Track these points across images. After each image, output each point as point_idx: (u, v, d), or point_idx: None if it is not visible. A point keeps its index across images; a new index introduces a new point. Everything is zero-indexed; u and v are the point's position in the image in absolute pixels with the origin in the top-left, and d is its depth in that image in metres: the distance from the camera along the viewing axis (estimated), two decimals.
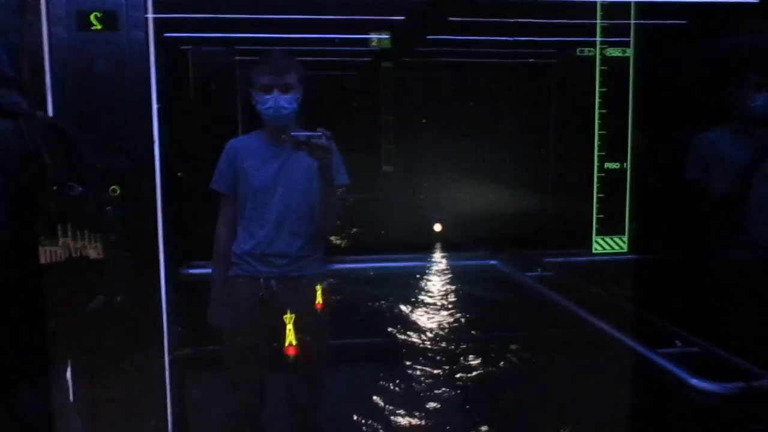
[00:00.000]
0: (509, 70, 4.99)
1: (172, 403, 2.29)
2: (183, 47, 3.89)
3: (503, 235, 4.29)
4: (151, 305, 2.27)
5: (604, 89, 2.73)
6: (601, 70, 2.73)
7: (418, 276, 4.45)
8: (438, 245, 4.61)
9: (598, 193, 2.77)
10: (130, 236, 2.22)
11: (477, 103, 5.07)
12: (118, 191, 2.26)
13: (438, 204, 5.12)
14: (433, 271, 4.46)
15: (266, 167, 2.10)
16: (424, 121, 5.09)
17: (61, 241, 1.48)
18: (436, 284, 4.68)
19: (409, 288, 4.48)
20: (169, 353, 2.26)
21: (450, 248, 4.25)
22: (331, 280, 2.21)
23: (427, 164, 4.91)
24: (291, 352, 2.06)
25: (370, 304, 4.03)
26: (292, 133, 1.86)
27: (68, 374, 2.13)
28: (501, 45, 4.49)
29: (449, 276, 4.67)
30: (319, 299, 2.10)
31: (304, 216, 2.10)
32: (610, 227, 2.79)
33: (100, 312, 1.68)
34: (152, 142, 2.29)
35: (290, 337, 2.05)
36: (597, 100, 2.73)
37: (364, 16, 3.50)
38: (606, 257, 2.91)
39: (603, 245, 2.82)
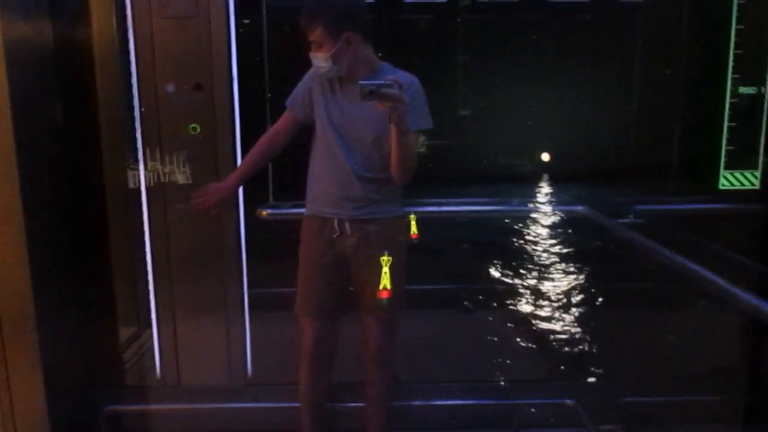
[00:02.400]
0: None
1: (250, 339, 2.35)
2: None
3: (597, 179, 4.02)
4: (231, 243, 2.31)
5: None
6: None
7: (504, 221, 4.28)
8: (521, 189, 4.41)
9: (728, 121, 2.45)
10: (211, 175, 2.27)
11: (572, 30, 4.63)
12: (198, 130, 2.29)
13: (520, 149, 4.87)
14: (516, 218, 4.28)
15: (340, 108, 2.04)
16: (504, 61, 4.80)
17: None
18: (520, 230, 4.51)
19: (495, 232, 4.31)
20: (248, 290, 2.31)
21: (533, 194, 4.09)
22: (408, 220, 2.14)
23: (507, 108, 4.66)
24: (384, 295, 2.03)
25: (449, 248, 3.95)
26: (361, 82, 1.76)
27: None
28: None
29: (533, 222, 4.49)
30: (401, 236, 2.05)
31: (376, 162, 2.03)
32: (742, 160, 2.48)
33: None
34: (231, 81, 2.29)
35: (385, 280, 2.02)
36: (734, 15, 2.35)
37: None
38: (699, 205, 2.69)
39: (732, 181, 2.54)
